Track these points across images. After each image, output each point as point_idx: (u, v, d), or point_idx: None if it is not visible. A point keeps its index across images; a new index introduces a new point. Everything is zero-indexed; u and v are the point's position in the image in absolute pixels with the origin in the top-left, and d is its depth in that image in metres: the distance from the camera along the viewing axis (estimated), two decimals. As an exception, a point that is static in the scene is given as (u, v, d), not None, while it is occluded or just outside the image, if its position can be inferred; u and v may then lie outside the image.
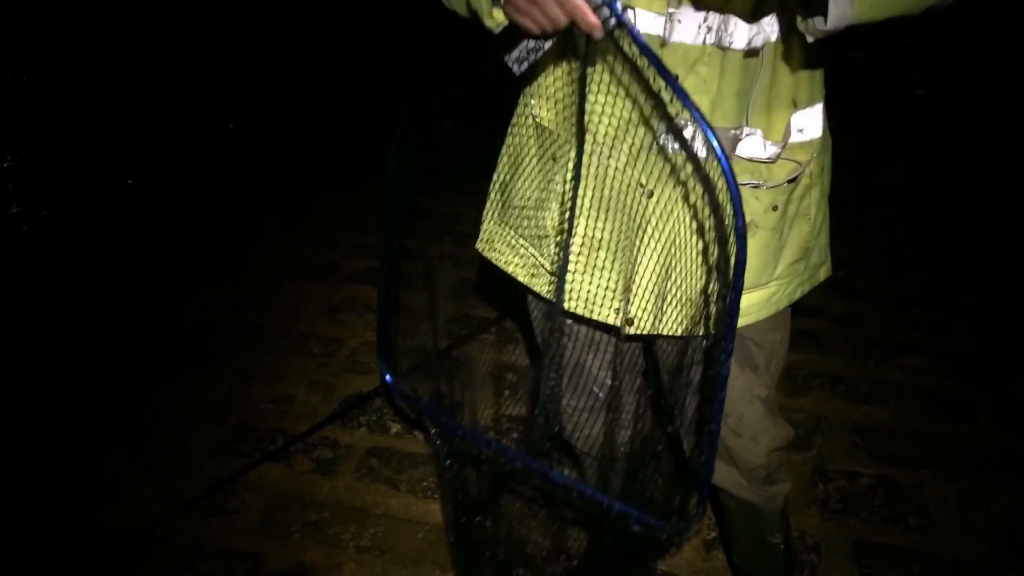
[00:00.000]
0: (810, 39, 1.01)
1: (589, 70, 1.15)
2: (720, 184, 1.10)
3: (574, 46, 1.19)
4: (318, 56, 5.98)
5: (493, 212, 1.46)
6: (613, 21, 0.94)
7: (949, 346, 2.74)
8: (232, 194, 3.94)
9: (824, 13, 0.96)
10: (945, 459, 2.22)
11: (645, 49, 0.95)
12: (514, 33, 1.06)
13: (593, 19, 0.94)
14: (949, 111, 4.95)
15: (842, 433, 2.32)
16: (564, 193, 1.28)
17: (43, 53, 5.78)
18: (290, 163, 4.34)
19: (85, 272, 3.21)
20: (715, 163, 1.00)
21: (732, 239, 0.94)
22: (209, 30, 6.21)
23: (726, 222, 1.11)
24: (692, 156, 1.17)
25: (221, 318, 2.91)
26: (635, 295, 1.28)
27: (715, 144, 0.89)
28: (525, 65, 1.15)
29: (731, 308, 0.96)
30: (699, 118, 0.90)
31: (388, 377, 1.39)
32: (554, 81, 1.26)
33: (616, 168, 1.22)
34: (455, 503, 1.57)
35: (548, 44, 1.13)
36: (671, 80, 0.96)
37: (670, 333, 1.28)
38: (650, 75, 1.06)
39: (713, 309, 1.25)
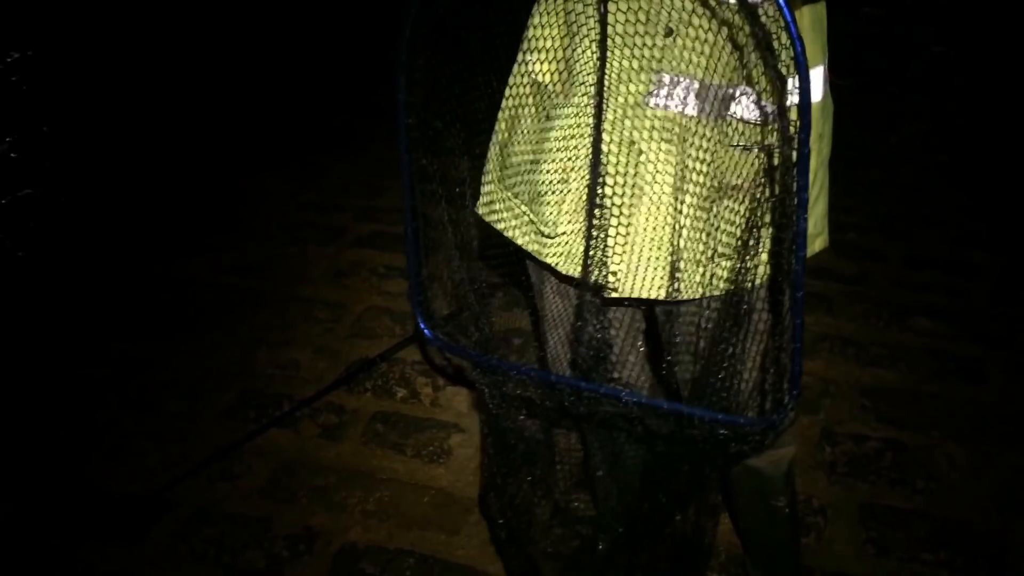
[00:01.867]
0: None
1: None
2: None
3: None
4: (321, 21, 5.90)
5: (493, 174, 1.43)
6: None
7: (961, 307, 2.70)
8: (237, 159, 3.91)
9: None
10: (955, 421, 2.20)
11: None
12: None
13: None
14: (965, 69, 4.85)
15: (851, 396, 2.30)
16: (556, 150, 1.25)
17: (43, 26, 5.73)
18: (295, 127, 4.30)
19: (91, 238, 3.21)
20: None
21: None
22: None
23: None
24: (686, 108, 1.14)
25: (227, 283, 2.90)
26: (627, 257, 1.26)
27: None
28: None
29: (799, 196, 0.91)
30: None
31: (425, 329, 1.34)
32: (549, 33, 1.23)
33: (609, 122, 1.18)
34: (505, 453, 1.52)
35: None
36: None
37: (717, 293, 1.25)
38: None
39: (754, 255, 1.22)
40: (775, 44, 0.94)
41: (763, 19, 0.96)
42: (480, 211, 1.48)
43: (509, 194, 1.39)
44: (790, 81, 0.94)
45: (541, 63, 1.25)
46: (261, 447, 2.17)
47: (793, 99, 0.92)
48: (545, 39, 1.24)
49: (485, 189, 1.45)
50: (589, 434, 1.46)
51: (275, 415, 2.26)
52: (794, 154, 0.91)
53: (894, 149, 3.91)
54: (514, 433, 1.45)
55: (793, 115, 0.91)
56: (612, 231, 1.27)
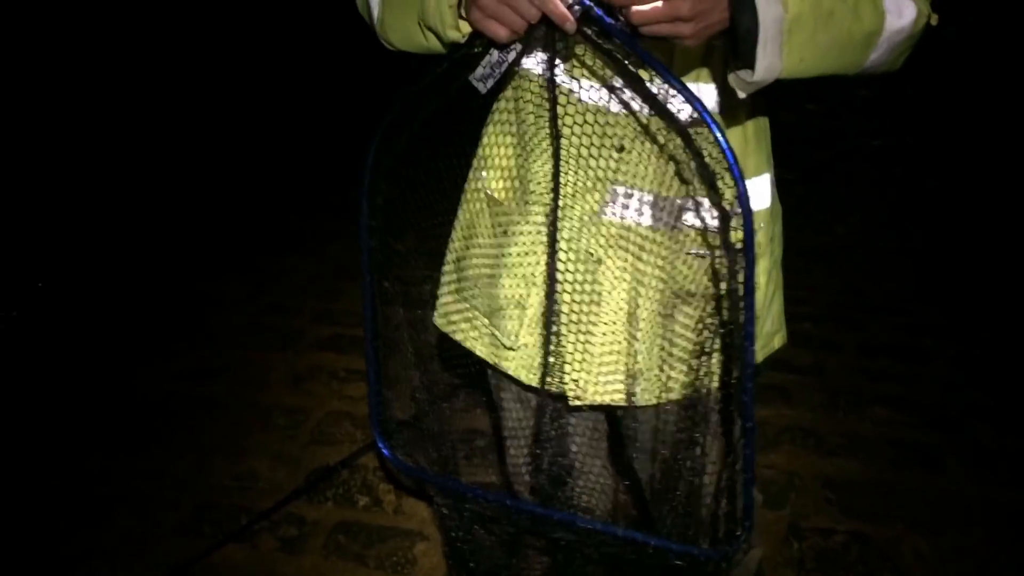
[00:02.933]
0: (741, 94, 1.01)
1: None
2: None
3: (521, 110, 1.19)
4: (282, 118, 6.00)
5: (450, 286, 1.44)
6: (578, 8, 0.92)
7: (915, 394, 2.75)
8: (195, 261, 3.89)
9: (752, 64, 0.97)
10: (918, 511, 2.21)
11: (621, 35, 0.92)
12: (472, 56, 1.04)
13: (564, 10, 0.93)
14: (904, 159, 5.07)
15: (815, 488, 2.30)
16: (515, 266, 1.27)
17: None
18: (252, 228, 4.31)
19: (41, 344, 3.14)
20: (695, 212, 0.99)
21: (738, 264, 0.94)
22: (169, 97, 6.22)
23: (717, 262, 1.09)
24: (641, 219, 1.17)
25: (183, 391, 2.85)
26: (587, 366, 1.27)
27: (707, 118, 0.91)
28: (490, 82, 1.12)
29: (746, 329, 0.94)
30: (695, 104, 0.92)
31: (384, 449, 1.33)
32: (502, 151, 1.26)
33: (566, 236, 1.21)
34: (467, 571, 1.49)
35: (512, 56, 1.10)
36: (657, 65, 0.94)
37: (675, 398, 1.26)
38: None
39: (707, 360, 1.24)
40: (717, 170, 0.99)
41: (705, 150, 1.01)
42: (438, 322, 1.49)
43: (467, 305, 1.40)
44: (733, 219, 0.97)
45: (495, 180, 1.28)
46: (217, 564, 2.09)
47: (737, 233, 0.96)
48: (498, 156, 1.27)
49: (442, 300, 1.47)
50: (550, 554, 1.44)
51: (232, 530, 2.19)
52: (740, 308, 0.94)
53: (841, 239, 4.03)
54: (474, 553, 1.43)
55: (738, 235, 0.94)
56: (571, 341, 1.29)
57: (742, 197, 0.86)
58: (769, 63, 0.96)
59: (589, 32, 0.96)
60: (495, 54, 1.04)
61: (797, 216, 1.36)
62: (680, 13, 0.89)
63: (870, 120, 5.64)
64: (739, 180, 0.86)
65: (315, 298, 3.50)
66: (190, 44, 6.88)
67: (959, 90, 5.77)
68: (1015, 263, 3.69)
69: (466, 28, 1.01)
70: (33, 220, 4.27)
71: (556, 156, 1.16)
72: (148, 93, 6.17)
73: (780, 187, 1.35)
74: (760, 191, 1.27)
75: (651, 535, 1.10)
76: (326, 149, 5.48)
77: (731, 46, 0.99)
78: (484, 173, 1.30)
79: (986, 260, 3.75)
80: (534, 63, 1.12)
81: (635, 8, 0.89)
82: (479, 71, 1.07)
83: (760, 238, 1.28)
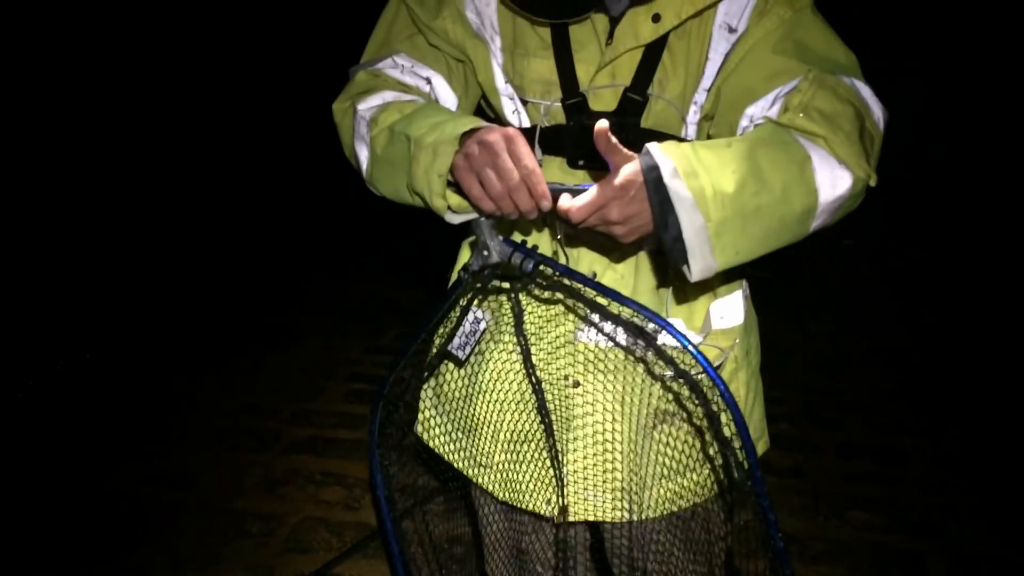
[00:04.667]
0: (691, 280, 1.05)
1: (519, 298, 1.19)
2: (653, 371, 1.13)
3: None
4: (255, 211, 6.05)
5: (428, 400, 1.45)
6: (547, 204, 1.00)
7: (895, 496, 2.75)
8: (168, 360, 3.85)
9: (688, 267, 1.01)
10: (903, 621, 2.19)
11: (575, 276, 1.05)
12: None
13: (544, 190, 0.98)
14: (874, 258, 5.19)
15: (798, 597, 2.27)
16: (489, 390, 1.28)
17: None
18: (228, 324, 4.28)
19: (12, 442, 3.06)
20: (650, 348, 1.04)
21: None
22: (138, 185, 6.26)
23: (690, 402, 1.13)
24: (617, 345, 1.20)
25: (155, 496, 2.78)
26: (565, 485, 1.28)
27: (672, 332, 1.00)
28: (468, 349, 1.21)
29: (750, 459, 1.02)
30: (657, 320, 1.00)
31: None
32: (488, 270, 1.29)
33: (541, 360, 1.23)
34: None
35: (484, 322, 1.21)
36: (609, 292, 1.01)
37: (660, 514, 1.28)
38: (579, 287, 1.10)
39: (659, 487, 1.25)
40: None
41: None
42: (419, 431, 1.49)
43: (445, 420, 1.41)
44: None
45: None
46: None
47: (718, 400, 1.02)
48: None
49: (423, 415, 1.47)
50: None
51: (202, 646, 2.11)
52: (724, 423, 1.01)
53: (815, 337, 4.09)
54: None
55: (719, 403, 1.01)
56: (547, 462, 1.30)
57: (746, 446, 1.02)
58: (704, 265, 1.00)
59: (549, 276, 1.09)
60: (467, 325, 1.19)
61: (771, 314, 1.38)
62: (610, 217, 0.98)
63: (842, 220, 5.78)
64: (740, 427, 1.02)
65: (291, 398, 3.47)
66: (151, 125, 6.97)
67: (927, 190, 5.96)
68: (987, 360, 3.75)
69: (452, 199, 1.05)
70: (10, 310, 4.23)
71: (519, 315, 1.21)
72: (115, 177, 6.22)
73: (754, 286, 1.38)
74: (734, 307, 1.30)
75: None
76: (300, 241, 5.53)
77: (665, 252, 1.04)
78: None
79: (958, 358, 3.81)
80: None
81: (574, 209, 0.98)
82: (456, 341, 1.21)
83: (736, 352, 1.30)
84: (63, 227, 5.46)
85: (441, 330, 1.29)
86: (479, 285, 1.15)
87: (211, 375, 3.69)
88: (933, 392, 3.49)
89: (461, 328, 1.18)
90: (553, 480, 1.30)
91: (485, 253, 1.08)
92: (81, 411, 3.35)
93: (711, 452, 1.23)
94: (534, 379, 1.23)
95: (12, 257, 4.95)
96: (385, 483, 1.29)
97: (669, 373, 1.18)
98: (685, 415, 1.23)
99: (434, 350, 1.30)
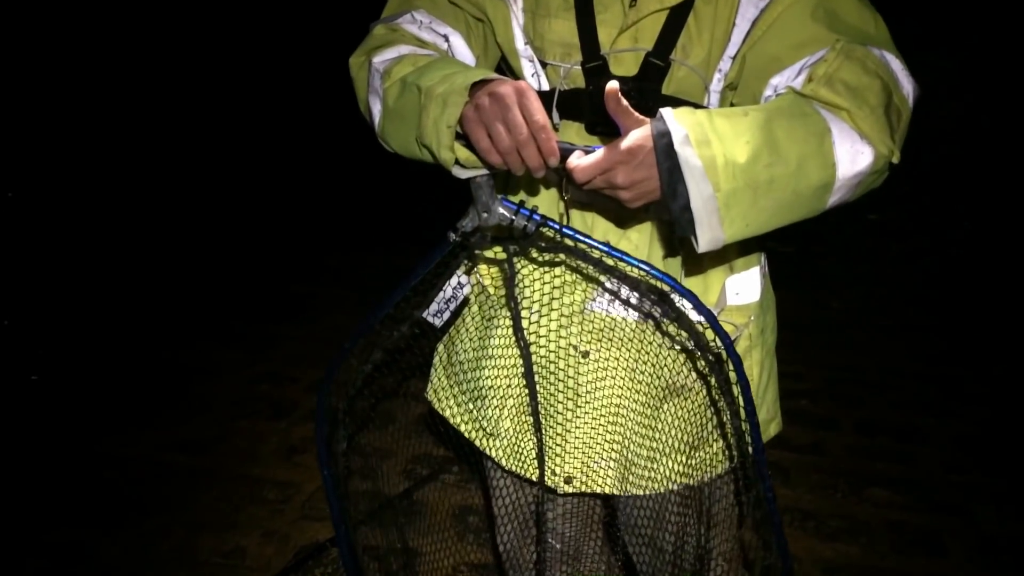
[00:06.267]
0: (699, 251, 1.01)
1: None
2: (665, 335, 1.10)
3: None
4: (280, 183, 6.05)
5: (440, 365, 1.44)
6: (555, 161, 0.98)
7: (915, 475, 2.72)
8: (191, 329, 3.88)
9: (695, 237, 0.97)
10: (920, 600, 2.16)
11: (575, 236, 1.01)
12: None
13: (554, 146, 0.96)
14: (899, 234, 5.10)
15: (815, 574, 2.25)
16: (498, 356, 1.27)
17: None
18: (249, 294, 4.30)
19: (26, 412, 3.11)
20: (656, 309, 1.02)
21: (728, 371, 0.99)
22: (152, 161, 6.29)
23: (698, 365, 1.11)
24: (628, 314, 1.18)
25: (173, 461, 2.81)
26: (571, 457, 1.27)
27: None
28: (446, 315, 1.17)
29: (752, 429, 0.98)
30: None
31: None
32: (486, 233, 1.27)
33: (550, 330, 1.21)
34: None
35: (463, 294, 1.15)
36: (616, 252, 0.98)
37: (668, 488, 1.26)
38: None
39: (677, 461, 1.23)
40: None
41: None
42: (429, 396, 1.49)
43: (454, 385, 1.40)
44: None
45: (484, 268, 1.29)
46: (201, 647, 2.04)
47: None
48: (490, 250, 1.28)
49: (433, 376, 1.46)
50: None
51: (217, 610, 2.14)
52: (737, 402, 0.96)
53: (838, 314, 4.03)
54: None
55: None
56: (555, 432, 1.28)
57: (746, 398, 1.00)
58: (712, 236, 0.97)
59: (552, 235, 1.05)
60: (448, 290, 1.13)
61: (793, 290, 1.35)
62: (615, 181, 0.96)
63: (867, 194, 5.69)
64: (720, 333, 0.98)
65: (311, 367, 3.48)
66: (186, 97, 6.99)
67: (956, 167, 5.85)
68: (1013, 342, 3.68)
69: (460, 152, 1.02)
70: (23, 285, 4.28)
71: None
72: (143, 148, 6.25)
73: (776, 260, 1.35)
74: (750, 284, 1.27)
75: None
76: (325, 212, 5.52)
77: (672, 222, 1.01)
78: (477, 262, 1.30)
79: (984, 339, 3.75)
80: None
81: (579, 169, 0.96)
82: (433, 307, 1.16)
83: (752, 329, 1.27)
84: (92, 204, 5.51)
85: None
86: (468, 249, 1.10)
87: (232, 344, 3.71)
88: (957, 372, 3.43)
89: (441, 293, 1.14)
90: (558, 450, 1.28)
91: (485, 215, 1.05)
92: (102, 379, 3.38)
93: (725, 428, 1.21)
94: (523, 344, 1.20)
95: (35, 230, 5.00)
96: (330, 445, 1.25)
97: (688, 345, 1.16)
98: (698, 389, 1.21)
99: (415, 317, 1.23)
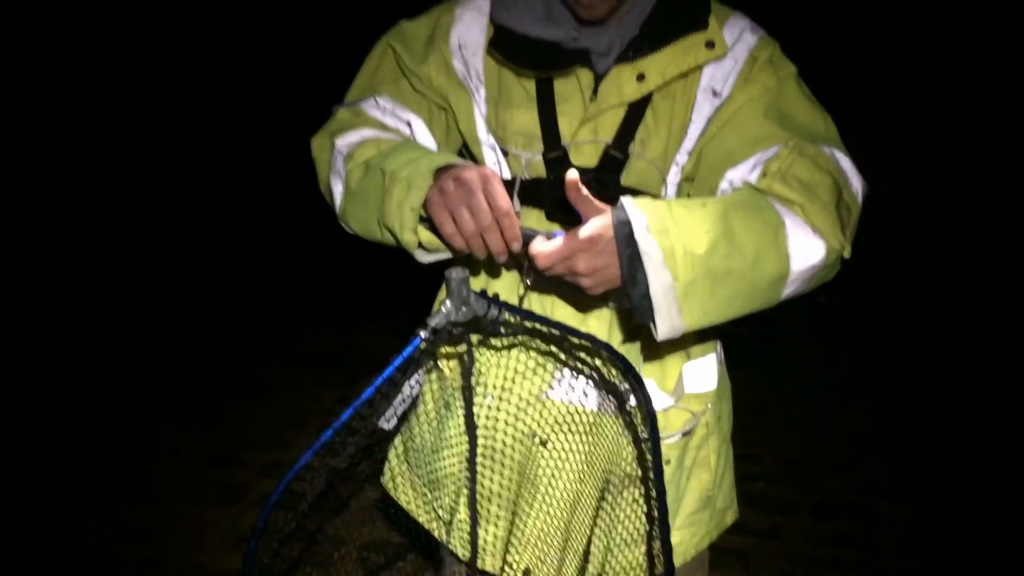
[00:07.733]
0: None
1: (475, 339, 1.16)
2: (616, 427, 1.10)
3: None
4: (230, 255, 6.00)
5: (397, 450, 1.42)
6: (518, 246, 0.99)
7: (871, 560, 2.72)
8: (138, 408, 3.77)
9: (654, 325, 0.99)
10: None
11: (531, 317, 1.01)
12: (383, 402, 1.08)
13: (516, 232, 0.97)
14: (849, 317, 5.21)
15: (775, 663, 2.23)
16: (455, 444, 1.26)
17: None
18: (199, 370, 4.21)
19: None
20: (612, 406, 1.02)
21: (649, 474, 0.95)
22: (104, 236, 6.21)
23: (627, 465, 1.10)
24: (586, 402, 1.18)
25: (116, 551, 2.69)
26: (529, 547, 1.25)
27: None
28: (394, 420, 1.17)
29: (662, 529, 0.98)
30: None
31: None
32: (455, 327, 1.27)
33: (508, 416, 1.21)
34: None
35: (416, 385, 1.14)
36: (562, 327, 0.98)
37: None
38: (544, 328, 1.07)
39: (629, 555, 1.22)
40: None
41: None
42: (385, 484, 1.46)
43: (410, 471, 1.38)
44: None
45: (445, 363, 1.29)
46: None
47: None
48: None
49: (391, 461, 1.44)
50: None
51: None
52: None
53: (791, 395, 4.08)
54: None
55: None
56: (510, 522, 1.26)
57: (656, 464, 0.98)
58: (671, 324, 0.99)
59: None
60: (407, 388, 1.12)
61: (747, 371, 1.36)
62: (576, 268, 0.97)
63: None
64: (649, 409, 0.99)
65: (263, 449, 3.40)
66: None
67: (903, 249, 6.02)
68: (969, 422, 3.75)
69: (423, 235, 1.04)
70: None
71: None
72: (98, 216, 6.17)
73: (731, 342, 1.37)
74: (707, 371, 1.29)
75: None
76: (274, 286, 5.48)
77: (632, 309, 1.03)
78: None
79: (939, 419, 3.81)
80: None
81: (541, 255, 0.98)
82: (388, 411, 1.14)
83: (709, 417, 1.29)
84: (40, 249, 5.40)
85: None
86: (436, 345, 1.06)
87: (182, 425, 3.62)
88: (912, 453, 3.48)
89: (399, 396, 1.12)
90: (515, 543, 1.26)
91: (464, 309, 1.04)
92: (45, 460, 3.26)
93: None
94: (471, 430, 1.19)
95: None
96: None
97: (642, 435, 1.16)
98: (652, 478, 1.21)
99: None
